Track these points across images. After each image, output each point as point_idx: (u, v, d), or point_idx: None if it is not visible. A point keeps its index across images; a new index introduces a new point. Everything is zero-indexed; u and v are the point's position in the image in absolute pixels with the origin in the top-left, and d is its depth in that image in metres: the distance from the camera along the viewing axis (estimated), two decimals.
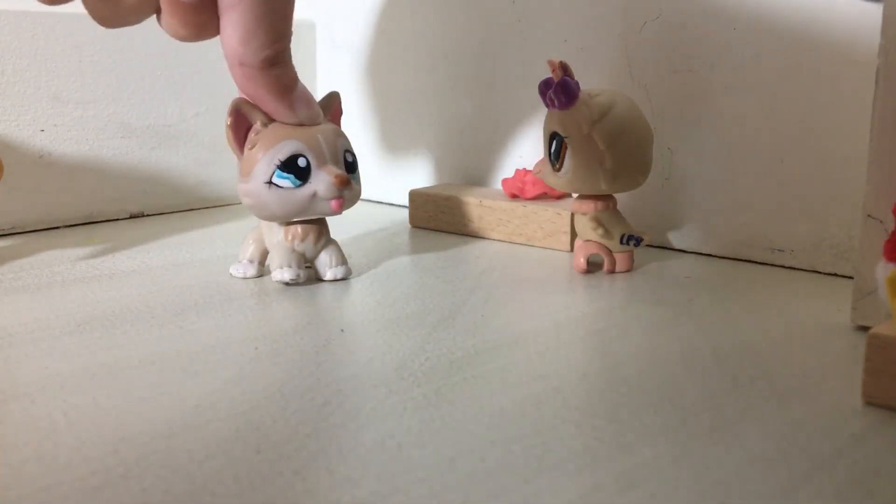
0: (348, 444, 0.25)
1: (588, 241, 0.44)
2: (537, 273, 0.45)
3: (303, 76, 0.39)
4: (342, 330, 0.35)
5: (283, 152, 0.38)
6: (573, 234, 0.48)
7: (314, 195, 0.39)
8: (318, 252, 0.42)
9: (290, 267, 0.40)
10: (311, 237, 0.41)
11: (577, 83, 0.42)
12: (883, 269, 0.28)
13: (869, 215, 0.34)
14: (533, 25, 0.54)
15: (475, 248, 0.50)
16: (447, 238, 0.53)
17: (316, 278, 0.42)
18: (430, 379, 0.29)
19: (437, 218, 0.55)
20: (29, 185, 0.54)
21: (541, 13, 0.53)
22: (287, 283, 0.41)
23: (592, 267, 0.45)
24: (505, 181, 0.52)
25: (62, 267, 0.45)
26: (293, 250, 0.41)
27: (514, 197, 0.52)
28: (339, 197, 0.39)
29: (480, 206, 0.53)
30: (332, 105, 0.42)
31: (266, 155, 0.38)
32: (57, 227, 0.55)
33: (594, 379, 0.30)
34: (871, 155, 0.33)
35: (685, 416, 0.27)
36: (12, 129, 0.53)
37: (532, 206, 0.50)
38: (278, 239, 0.41)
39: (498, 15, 0.56)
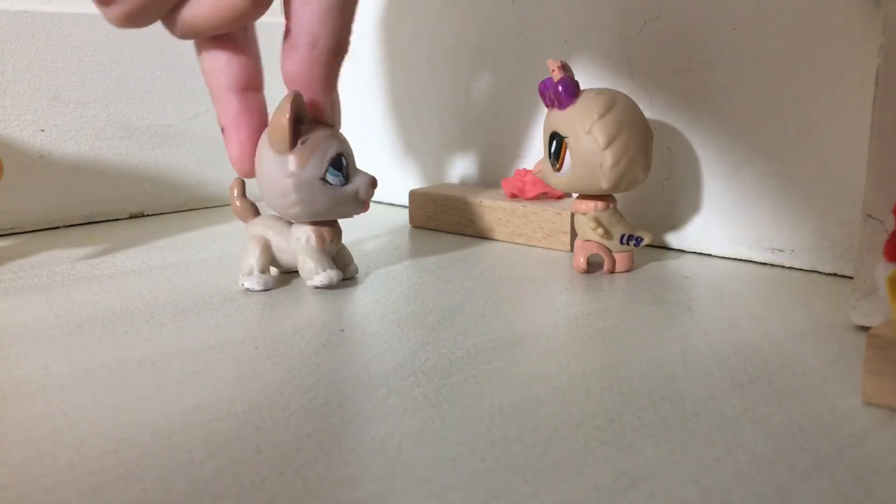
0: (348, 444, 0.25)
1: (588, 241, 0.44)
2: (537, 273, 0.45)
3: None
4: (342, 330, 0.35)
5: (332, 150, 0.38)
6: (573, 234, 0.48)
7: (354, 193, 0.39)
8: (336, 252, 0.42)
9: (332, 269, 0.40)
10: (337, 238, 0.41)
11: (577, 83, 0.42)
12: (883, 269, 0.28)
13: (869, 215, 0.34)
14: (533, 25, 0.54)
15: (475, 248, 0.50)
16: (447, 238, 0.53)
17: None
18: (430, 379, 0.29)
19: (437, 218, 0.55)
20: (29, 185, 0.54)
21: (541, 13, 0.53)
22: (328, 287, 0.41)
23: (592, 267, 0.45)
24: (505, 181, 0.52)
25: (62, 267, 0.45)
26: (325, 252, 0.41)
27: (514, 197, 0.52)
28: (368, 198, 0.40)
29: (480, 206, 0.52)
30: None
31: (318, 151, 0.38)
32: (57, 227, 0.55)
33: (594, 379, 0.30)
34: (871, 155, 0.33)
35: (685, 416, 0.27)
36: (12, 129, 0.53)
37: (532, 206, 0.50)
38: (305, 243, 0.40)
39: (498, 15, 0.56)
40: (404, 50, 0.62)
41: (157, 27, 0.37)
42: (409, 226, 0.57)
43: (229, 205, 0.64)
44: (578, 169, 0.42)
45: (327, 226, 0.41)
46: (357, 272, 0.43)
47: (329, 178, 0.38)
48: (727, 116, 0.46)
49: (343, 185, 0.39)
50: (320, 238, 0.40)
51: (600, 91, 0.42)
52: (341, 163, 0.38)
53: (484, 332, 0.35)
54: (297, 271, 0.42)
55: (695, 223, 0.49)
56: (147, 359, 0.31)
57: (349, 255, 0.43)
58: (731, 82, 0.46)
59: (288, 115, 0.37)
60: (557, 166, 0.43)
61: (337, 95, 0.39)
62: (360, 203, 0.40)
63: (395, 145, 0.64)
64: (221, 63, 0.39)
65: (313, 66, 0.37)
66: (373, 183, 0.40)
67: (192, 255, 0.48)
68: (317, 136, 0.38)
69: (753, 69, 0.45)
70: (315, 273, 0.40)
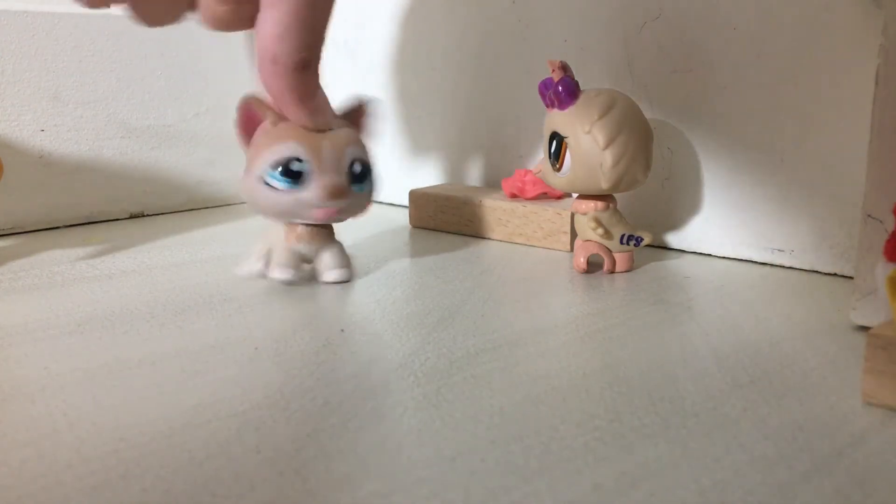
0: (348, 444, 0.25)
1: (588, 241, 0.44)
2: (537, 273, 0.45)
3: None
4: (342, 330, 0.35)
5: (279, 154, 0.38)
6: (573, 234, 0.48)
7: (300, 200, 0.38)
8: (318, 253, 0.41)
9: (286, 266, 0.40)
10: (316, 240, 0.41)
11: (577, 83, 0.42)
12: (883, 269, 0.28)
13: (869, 215, 0.34)
14: (533, 25, 0.54)
15: (475, 248, 0.50)
16: (447, 238, 0.53)
17: (316, 279, 0.42)
18: (430, 379, 0.29)
19: (437, 218, 0.55)
20: (29, 185, 0.54)
21: (541, 13, 0.53)
22: (284, 282, 0.40)
23: (592, 267, 0.45)
24: (505, 181, 0.52)
25: (62, 267, 0.45)
26: (291, 250, 0.40)
27: (514, 197, 0.52)
28: (326, 207, 0.38)
29: (480, 206, 0.52)
30: (358, 111, 0.42)
31: (265, 153, 0.38)
32: (57, 227, 0.55)
33: (594, 379, 0.30)
34: (871, 155, 0.33)
35: (685, 416, 0.27)
36: (12, 129, 0.53)
37: (532, 206, 0.50)
38: (279, 237, 0.41)
39: (498, 15, 0.56)
40: (405, 50, 0.62)
41: (155, 28, 0.38)
42: (409, 226, 0.57)
43: (229, 205, 0.64)
44: (578, 169, 0.42)
45: (305, 226, 0.40)
46: (350, 277, 0.42)
47: (269, 180, 0.38)
48: (727, 116, 0.46)
49: (289, 189, 0.38)
50: (289, 233, 0.40)
51: (600, 91, 0.42)
52: (289, 167, 0.38)
53: (484, 332, 0.35)
54: (311, 266, 0.42)
55: (695, 223, 0.49)
56: (147, 359, 0.31)
57: (343, 258, 0.42)
58: (731, 82, 0.46)
59: (236, 118, 0.38)
60: (557, 166, 0.43)
61: (317, 105, 0.38)
62: (310, 209, 0.39)
63: (395, 145, 0.64)
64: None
65: (278, 81, 0.36)
66: (326, 193, 0.38)
67: (192, 255, 0.48)
68: (275, 136, 0.38)
69: (753, 69, 0.45)
70: (273, 266, 0.40)
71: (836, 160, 0.43)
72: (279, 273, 0.40)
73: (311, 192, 0.38)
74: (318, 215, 0.39)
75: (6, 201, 0.53)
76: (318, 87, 0.38)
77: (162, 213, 0.61)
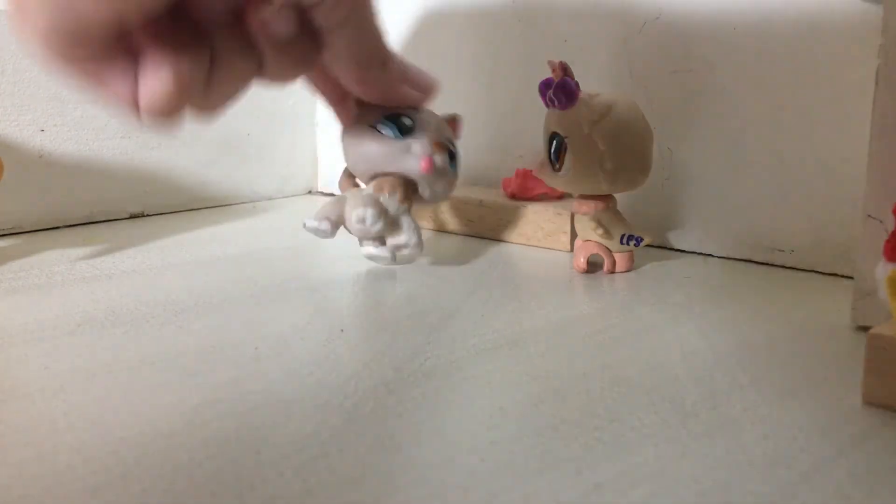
0: (348, 444, 0.25)
1: (588, 241, 0.44)
2: (537, 273, 0.45)
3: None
4: (342, 330, 0.35)
5: (391, 110, 0.41)
6: (573, 234, 0.48)
7: (407, 147, 0.41)
8: (400, 216, 0.42)
9: (365, 207, 0.41)
10: (406, 200, 0.42)
11: (577, 83, 0.42)
12: (883, 269, 0.28)
13: (869, 215, 0.34)
14: (533, 25, 0.54)
15: (475, 248, 0.50)
16: (447, 238, 0.53)
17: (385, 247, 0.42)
18: (430, 379, 0.29)
19: (438, 218, 0.55)
20: (29, 185, 0.54)
21: (541, 14, 0.53)
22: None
23: (592, 267, 0.45)
24: (505, 181, 0.52)
25: (62, 267, 0.45)
26: (376, 198, 0.41)
27: (514, 197, 0.52)
28: (431, 156, 0.41)
29: (480, 206, 0.52)
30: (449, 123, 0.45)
31: (377, 109, 0.41)
32: (57, 227, 0.55)
33: (594, 379, 0.30)
34: (871, 155, 0.33)
35: (685, 416, 0.27)
36: (12, 129, 0.53)
37: (532, 206, 0.50)
38: (368, 191, 0.42)
39: (498, 15, 0.56)
40: (403, 51, 0.62)
41: None
42: None
43: (229, 205, 0.64)
44: (578, 169, 0.42)
45: (403, 184, 0.41)
46: (417, 254, 0.43)
47: (381, 128, 0.41)
48: (727, 116, 0.46)
49: (399, 138, 0.41)
50: (382, 185, 0.41)
51: (600, 92, 0.42)
52: (401, 121, 0.41)
53: (484, 332, 0.35)
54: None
55: (695, 223, 0.49)
56: (147, 359, 0.31)
57: (417, 233, 0.42)
58: (731, 82, 0.46)
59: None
60: (557, 166, 0.43)
61: (410, 73, 0.42)
62: (416, 158, 0.41)
63: None
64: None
65: (375, 92, 0.40)
66: (436, 143, 0.41)
67: (192, 255, 0.48)
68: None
69: (753, 69, 0.45)
70: (350, 209, 0.41)
71: (836, 160, 0.43)
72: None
73: (420, 141, 0.41)
74: (423, 163, 0.41)
75: (6, 201, 0.53)
76: (401, 75, 0.41)
77: (162, 213, 0.60)
